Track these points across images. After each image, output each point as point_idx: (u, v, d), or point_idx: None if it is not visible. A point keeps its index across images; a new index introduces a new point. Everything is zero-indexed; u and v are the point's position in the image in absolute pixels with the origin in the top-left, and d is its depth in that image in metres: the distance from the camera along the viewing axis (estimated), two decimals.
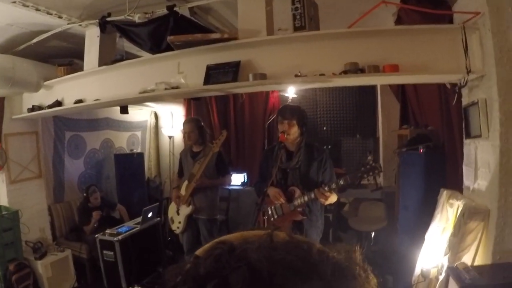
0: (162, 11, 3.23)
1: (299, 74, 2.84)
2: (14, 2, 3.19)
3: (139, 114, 6.26)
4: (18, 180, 4.33)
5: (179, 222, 4.14)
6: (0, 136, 4.17)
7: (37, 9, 3.36)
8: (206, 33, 3.15)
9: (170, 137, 6.34)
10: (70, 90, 3.95)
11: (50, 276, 4.22)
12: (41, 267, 4.15)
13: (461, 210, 2.43)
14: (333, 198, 2.90)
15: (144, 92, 3.40)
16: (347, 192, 5.41)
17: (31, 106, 4.11)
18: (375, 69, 2.64)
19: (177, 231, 4.20)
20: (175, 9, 3.14)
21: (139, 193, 5.64)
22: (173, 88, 3.29)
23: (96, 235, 4.36)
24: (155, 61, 3.50)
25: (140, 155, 5.79)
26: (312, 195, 2.87)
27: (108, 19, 3.45)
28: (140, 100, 3.74)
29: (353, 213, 5.34)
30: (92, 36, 3.77)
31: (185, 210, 4.07)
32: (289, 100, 5.83)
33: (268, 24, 2.99)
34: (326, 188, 2.81)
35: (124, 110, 3.95)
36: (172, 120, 6.46)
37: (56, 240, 4.74)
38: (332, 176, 3.01)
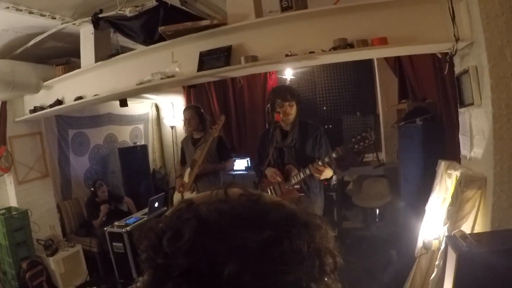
0: (152, 3, 3.22)
1: (289, 53, 2.84)
2: (8, 7, 3.22)
3: (140, 107, 6.30)
4: (25, 180, 4.41)
5: None
6: (5, 139, 4.23)
7: (31, 12, 3.38)
8: (196, 21, 3.14)
9: (172, 127, 6.39)
10: (69, 88, 3.99)
11: (62, 271, 4.33)
12: (53, 263, 4.26)
13: (458, 179, 2.43)
14: (328, 173, 2.91)
15: (141, 83, 3.42)
16: (350, 170, 5.45)
17: (32, 108, 4.16)
18: (364, 43, 2.62)
19: None
20: None
21: (145, 184, 5.71)
22: (168, 77, 3.31)
23: (105, 228, 4.44)
24: (149, 53, 3.50)
25: (144, 147, 5.84)
26: (308, 171, 2.91)
27: (101, 15, 3.46)
28: (137, 92, 3.76)
29: (357, 191, 5.37)
30: (86, 34, 3.79)
31: (190, 196, 4.13)
32: (287, 81, 5.81)
33: (256, 7, 2.98)
34: (319, 163, 2.82)
35: (123, 103, 3.97)
36: (173, 111, 6.49)
37: (67, 236, 4.84)
38: (328, 152, 3.01)
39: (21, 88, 3.88)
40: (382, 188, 4.97)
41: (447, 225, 2.45)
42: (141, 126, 6.44)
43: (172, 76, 3.30)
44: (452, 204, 2.43)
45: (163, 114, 6.73)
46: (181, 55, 3.35)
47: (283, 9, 2.84)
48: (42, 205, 4.56)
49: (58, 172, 4.92)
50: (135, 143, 6.06)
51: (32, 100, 4.25)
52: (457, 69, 2.67)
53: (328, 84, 6.03)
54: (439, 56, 2.83)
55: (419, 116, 3.71)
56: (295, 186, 3.04)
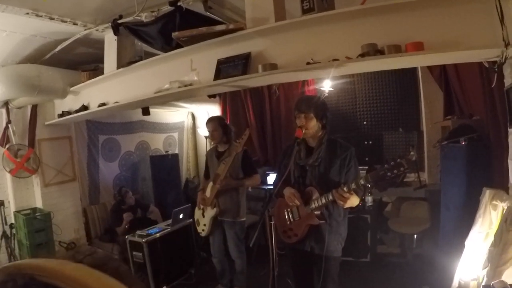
0: (168, 7, 3.04)
1: (311, 61, 2.52)
2: (28, 13, 3.19)
3: (175, 115, 6.19)
4: (52, 183, 4.39)
5: (204, 225, 3.94)
6: (33, 142, 4.24)
7: (51, 18, 3.33)
8: (215, 25, 2.90)
9: (206, 138, 6.20)
10: (94, 94, 3.92)
11: None
12: None
13: (504, 214, 1.96)
14: (353, 201, 2.48)
15: (159, 91, 3.24)
16: (389, 191, 4.93)
17: (61, 112, 4.14)
18: (396, 49, 2.24)
19: (203, 234, 3.99)
20: (179, 4, 2.92)
21: (175, 193, 5.55)
22: (186, 85, 3.10)
23: (126, 236, 4.30)
24: (168, 60, 3.32)
25: (175, 156, 5.70)
26: (331, 197, 2.49)
27: (119, 21, 3.33)
28: (156, 100, 3.58)
29: (394, 214, 4.84)
30: (110, 40, 3.69)
31: (210, 212, 3.87)
32: (326, 93, 5.42)
33: (276, 10, 2.69)
34: (345, 189, 2.41)
35: (146, 112, 3.83)
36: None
37: (91, 240, 4.76)
38: (357, 177, 2.56)
39: (47, 93, 3.85)
40: (422, 213, 4.43)
41: (487, 268, 1.98)
42: (175, 135, 6.32)
43: (190, 84, 3.09)
44: (495, 244, 1.96)
45: (198, 123, 6.59)
46: (200, 63, 3.14)
47: (304, 12, 2.52)
48: (67, 208, 4.52)
49: (86, 176, 4.89)
50: (167, 151, 5.94)
51: (62, 104, 4.24)
52: (508, 81, 2.19)
53: (369, 97, 5.56)
54: (486, 65, 2.35)
55: (463, 135, 3.19)
56: (315, 212, 2.64)
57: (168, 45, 3.21)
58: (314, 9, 2.46)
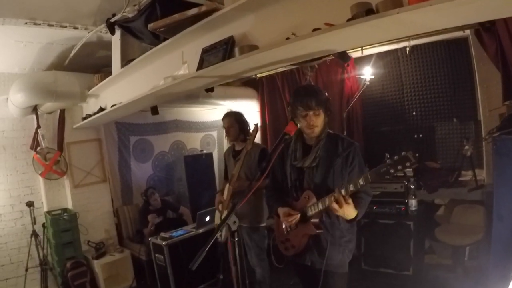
0: None
1: (292, 35, 1.95)
2: (26, 23, 3.10)
3: (213, 113, 5.85)
4: (81, 184, 4.35)
5: (221, 230, 3.51)
6: (62, 145, 4.20)
7: (50, 25, 3.21)
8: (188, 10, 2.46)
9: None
10: (109, 96, 3.76)
11: (107, 275, 4.10)
12: (97, 266, 4.08)
13: None
14: (349, 211, 1.90)
15: (152, 89, 2.90)
16: (440, 192, 4.05)
17: (84, 115, 4.04)
18: (395, 3, 1.57)
19: (220, 239, 3.55)
20: None
21: (209, 194, 5.20)
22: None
23: (149, 238, 4.08)
24: (161, 55, 2.98)
25: (209, 156, 5.36)
26: (327, 202, 1.94)
27: (112, 20, 3.05)
28: (154, 99, 3.23)
29: (445, 219, 3.94)
30: (115, 40, 3.45)
31: None
32: (366, 82, 4.64)
33: None
34: (342, 191, 1.84)
35: (155, 111, 3.52)
36: (247, 117, 5.88)
37: (123, 241, 4.63)
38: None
39: (66, 97, 3.77)
40: (476, 219, 3.52)
41: None
42: (214, 134, 6.00)
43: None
44: None
45: None
46: (190, 55, 2.75)
47: None
48: (98, 209, 4.45)
49: (118, 177, 4.78)
50: (201, 151, 5.63)
51: (88, 108, 4.14)
52: None
53: (418, 84, 4.64)
54: None
55: None
56: (313, 220, 2.08)
57: (156, 38, 2.85)
58: None
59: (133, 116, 4.40)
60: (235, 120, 3.43)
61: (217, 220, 3.61)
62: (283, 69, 5.03)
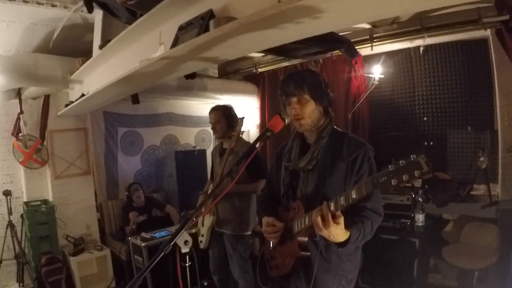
0: None
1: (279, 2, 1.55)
2: None
3: (209, 107, 5.46)
4: (63, 175, 4.02)
5: (202, 235, 3.12)
6: (44, 133, 3.88)
7: (25, 1, 2.88)
8: None
9: (242, 132, 5.36)
10: (92, 82, 3.39)
11: (83, 274, 3.76)
12: (73, 263, 3.74)
13: None
14: (338, 232, 1.40)
15: (123, 74, 2.54)
16: (450, 206, 3.56)
17: (68, 102, 3.71)
18: None
19: (201, 246, 3.14)
20: None
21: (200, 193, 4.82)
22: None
23: (129, 238, 3.71)
24: (138, 36, 2.61)
25: (202, 152, 4.95)
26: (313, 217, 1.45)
27: None
28: (127, 86, 2.86)
29: (454, 238, 3.46)
30: (97, 21, 3.11)
31: (208, 220, 3.05)
32: (375, 81, 4.17)
33: None
34: (331, 205, 1.38)
35: (135, 100, 3.16)
36: (246, 114, 5.47)
37: (105, 237, 4.28)
38: (370, 194, 1.37)
39: (46, 82, 3.44)
40: (488, 239, 3.04)
41: None
42: (210, 129, 5.60)
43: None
44: None
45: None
46: (168, 34, 2.35)
47: None
48: (79, 202, 4.12)
49: (103, 170, 4.44)
50: (194, 147, 5.23)
51: (73, 94, 3.81)
52: None
53: (431, 88, 4.15)
54: None
55: None
56: (299, 238, 1.61)
57: (133, 15, 2.49)
58: None
59: (123, 106, 4.04)
60: (222, 115, 3.05)
61: (199, 224, 3.22)
62: (287, 64, 4.65)
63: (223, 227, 2.98)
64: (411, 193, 3.48)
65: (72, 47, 3.71)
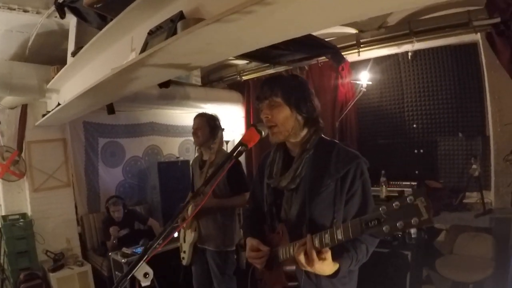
0: None
1: None
2: None
3: (193, 117, 5.30)
4: (42, 188, 3.82)
5: (184, 252, 2.92)
6: (22, 144, 3.69)
7: None
8: None
9: (227, 142, 5.18)
10: (67, 91, 3.22)
11: None
12: (53, 280, 3.52)
13: None
14: (323, 268, 1.23)
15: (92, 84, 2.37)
16: (442, 215, 3.40)
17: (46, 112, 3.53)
18: None
19: (184, 262, 2.94)
20: None
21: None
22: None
23: (110, 253, 3.52)
24: (111, 42, 2.45)
25: (186, 163, 4.74)
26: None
27: (60, 0, 2.53)
28: (99, 95, 2.68)
29: (447, 249, 3.30)
30: (72, 27, 2.94)
31: (189, 236, 2.86)
32: (362, 88, 4.03)
33: None
34: (316, 241, 1.20)
35: (110, 111, 2.98)
36: (230, 123, 5.29)
37: (86, 252, 4.07)
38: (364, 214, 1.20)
39: (21, 91, 3.27)
40: (483, 250, 2.88)
41: None
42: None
43: None
44: None
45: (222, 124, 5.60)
46: (139, 40, 2.17)
47: None
48: (59, 216, 3.92)
49: (84, 182, 4.23)
50: (178, 157, 5.04)
51: (51, 104, 3.62)
52: None
53: (420, 94, 4.04)
54: None
55: None
56: (286, 268, 1.40)
57: (103, 20, 2.33)
58: None
59: (103, 115, 3.83)
60: (206, 122, 2.86)
61: (181, 239, 3.03)
62: (272, 71, 4.51)
63: (205, 243, 2.79)
64: None
65: (49, 55, 3.54)
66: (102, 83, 2.28)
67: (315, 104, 1.49)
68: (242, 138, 1.41)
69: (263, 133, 1.43)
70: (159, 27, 1.92)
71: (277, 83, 1.46)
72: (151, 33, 1.98)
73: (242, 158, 4.37)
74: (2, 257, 3.56)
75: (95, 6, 2.02)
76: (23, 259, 3.55)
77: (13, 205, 3.78)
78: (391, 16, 3.41)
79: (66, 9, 2.57)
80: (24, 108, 3.73)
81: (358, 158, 1.40)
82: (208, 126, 2.85)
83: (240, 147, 1.38)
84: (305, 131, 1.48)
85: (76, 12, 2.50)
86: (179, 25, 1.67)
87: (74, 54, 2.72)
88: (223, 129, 2.95)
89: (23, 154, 3.72)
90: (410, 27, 3.43)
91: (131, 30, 2.26)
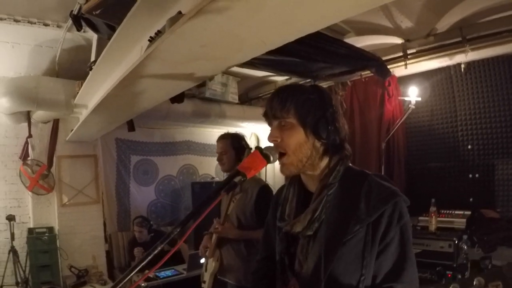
0: None
1: None
2: None
3: None
4: (71, 203, 3.72)
5: (204, 282, 2.57)
6: (52, 158, 3.63)
7: (16, 20, 2.69)
8: None
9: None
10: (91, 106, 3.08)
11: None
12: None
13: None
14: None
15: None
16: (499, 251, 2.85)
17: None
18: None
19: None
20: None
21: None
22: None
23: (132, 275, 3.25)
24: (122, 53, 2.22)
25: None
26: None
27: (75, 12, 2.38)
28: (115, 112, 2.48)
29: None
30: (94, 41, 2.82)
31: (211, 266, 2.51)
32: (411, 105, 3.49)
33: None
34: None
35: (131, 128, 2.81)
36: (268, 143, 4.95)
37: (112, 270, 3.87)
38: (401, 272, 0.94)
39: (48, 105, 3.22)
40: None
41: None
42: None
43: None
44: None
45: (262, 145, 5.26)
46: None
47: None
48: (87, 232, 3.80)
49: (114, 200, 4.09)
50: (212, 178, 4.76)
51: (82, 119, 3.52)
52: None
53: (475, 111, 3.44)
54: None
55: None
56: None
57: (111, 29, 2.12)
58: None
59: (137, 133, 3.71)
60: (230, 145, 2.48)
61: (203, 268, 2.67)
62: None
63: (226, 276, 2.42)
64: (454, 238, 2.73)
65: (79, 70, 3.47)
66: (108, 97, 2.06)
67: (340, 125, 1.07)
68: (240, 164, 1.02)
69: (271, 158, 1.03)
70: (158, 32, 1.65)
71: (290, 96, 1.05)
72: (151, 39, 1.71)
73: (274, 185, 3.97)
74: (27, 270, 3.48)
75: (94, 13, 1.81)
76: (45, 273, 3.48)
77: (41, 219, 3.73)
78: (440, 21, 2.91)
79: (82, 21, 2.43)
80: (56, 122, 3.71)
81: (396, 196, 0.99)
82: (233, 149, 2.48)
83: (235, 178, 0.98)
84: (325, 161, 1.07)
85: (89, 23, 2.34)
86: (166, 23, 1.38)
87: (90, 68, 2.55)
88: (251, 148, 2.56)
89: (53, 169, 3.66)
90: (462, 33, 2.90)
91: (140, 39, 2.03)
